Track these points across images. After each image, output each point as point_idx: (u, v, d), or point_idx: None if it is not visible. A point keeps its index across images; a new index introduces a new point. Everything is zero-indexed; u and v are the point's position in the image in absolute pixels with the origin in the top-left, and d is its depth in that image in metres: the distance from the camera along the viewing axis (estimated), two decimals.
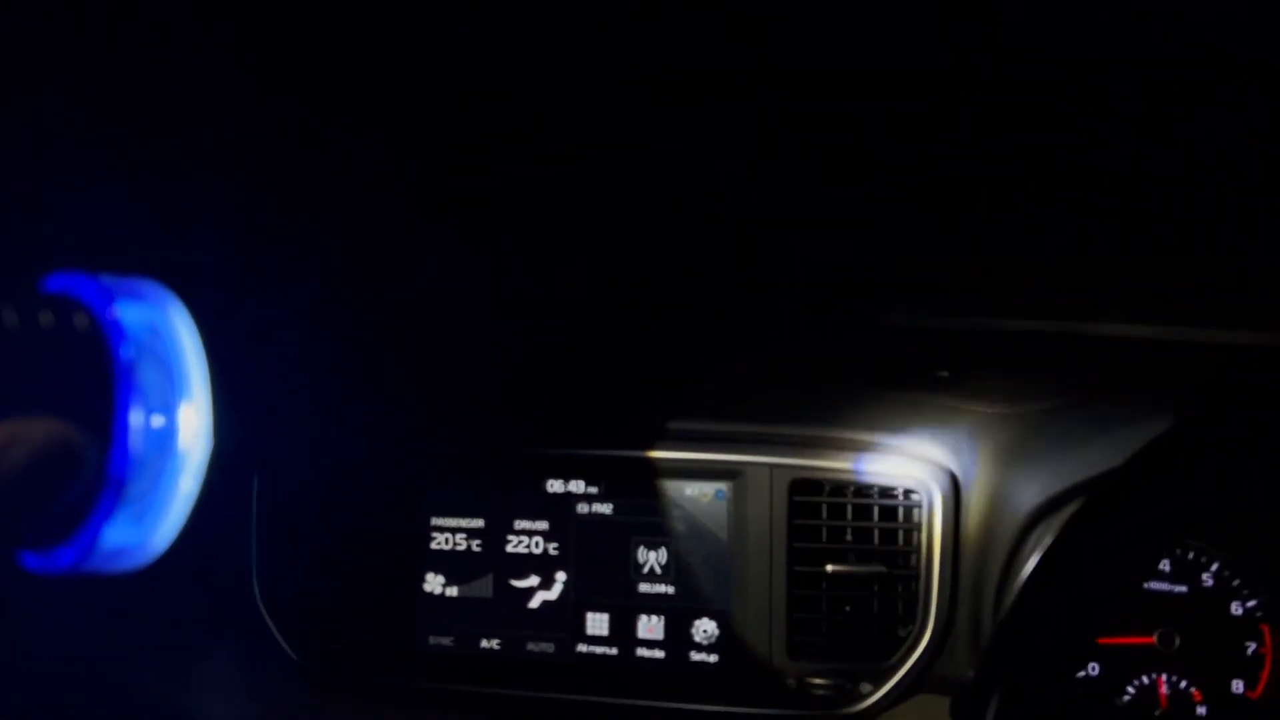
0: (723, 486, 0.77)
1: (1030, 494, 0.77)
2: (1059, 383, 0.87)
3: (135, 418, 0.41)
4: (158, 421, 0.42)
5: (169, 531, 0.42)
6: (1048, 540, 0.75)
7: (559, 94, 0.76)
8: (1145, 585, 0.81)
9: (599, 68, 0.73)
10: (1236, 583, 0.79)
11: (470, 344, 0.93)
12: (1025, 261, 1.11)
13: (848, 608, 0.76)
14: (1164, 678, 0.79)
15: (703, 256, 1.03)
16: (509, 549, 0.80)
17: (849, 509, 0.77)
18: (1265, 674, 0.78)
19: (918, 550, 0.76)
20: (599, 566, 0.79)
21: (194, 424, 0.43)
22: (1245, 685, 0.77)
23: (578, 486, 0.79)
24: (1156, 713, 0.77)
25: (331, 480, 0.83)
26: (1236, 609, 0.79)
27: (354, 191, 0.91)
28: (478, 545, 0.80)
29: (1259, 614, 0.78)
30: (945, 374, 0.88)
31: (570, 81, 0.74)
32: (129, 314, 0.42)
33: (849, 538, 0.77)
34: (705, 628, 0.77)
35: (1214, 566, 0.80)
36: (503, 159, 0.91)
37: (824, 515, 0.77)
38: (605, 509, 0.79)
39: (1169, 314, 0.99)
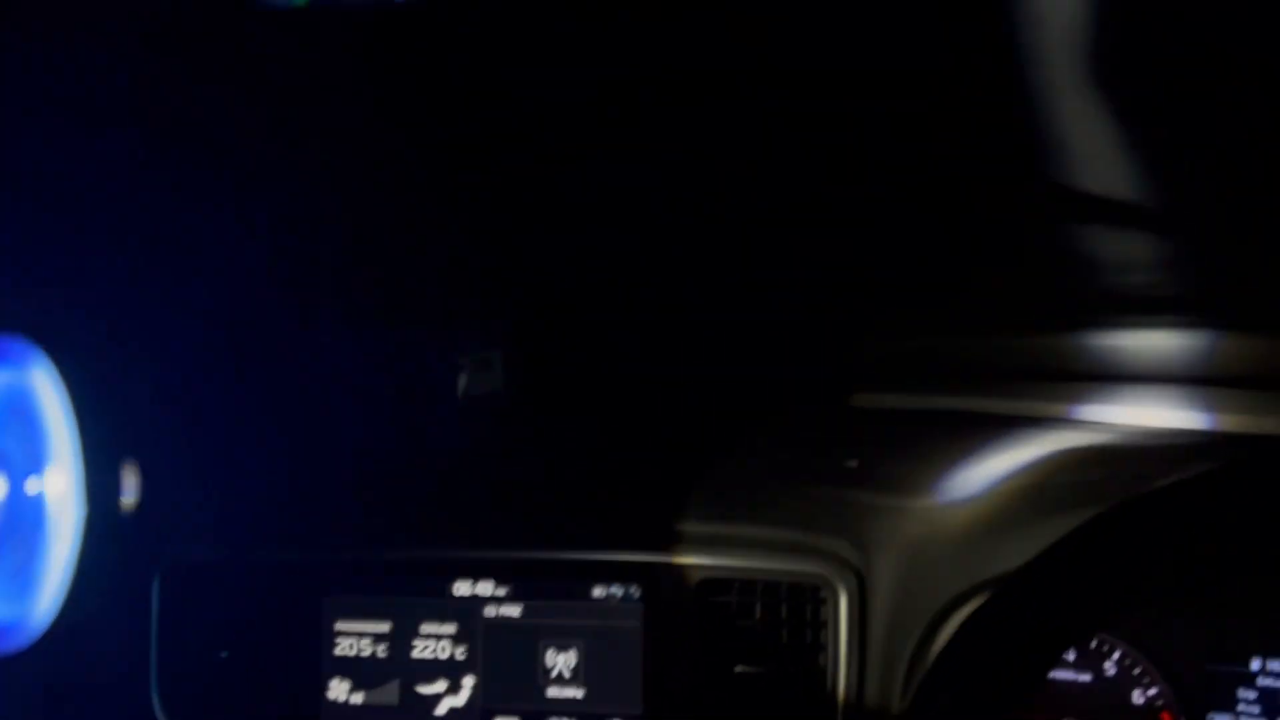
0: (632, 587, 0.77)
1: (936, 590, 0.78)
2: (967, 472, 0.89)
3: None
4: (28, 488, 0.40)
5: (50, 604, 0.40)
6: (950, 638, 0.76)
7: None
8: (1051, 674, 0.83)
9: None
10: (1138, 671, 0.81)
11: (372, 443, 0.92)
12: (932, 340, 1.13)
13: (756, 708, 0.76)
14: None
15: (611, 350, 1.03)
16: (415, 654, 0.78)
17: (758, 608, 0.77)
18: None
19: (825, 649, 0.76)
20: (508, 670, 0.77)
21: (63, 489, 0.40)
22: None
23: (486, 589, 0.78)
24: None
25: (234, 584, 0.80)
26: (1138, 698, 0.80)
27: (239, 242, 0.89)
28: (383, 650, 0.78)
29: (1159, 702, 0.80)
30: (854, 464, 0.88)
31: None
32: None
33: (758, 637, 0.77)
34: None
35: (1116, 655, 0.81)
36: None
37: (733, 615, 0.77)
38: (514, 611, 0.78)
39: (1080, 395, 1.01)
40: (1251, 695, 0.79)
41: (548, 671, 0.77)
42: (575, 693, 0.76)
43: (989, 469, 0.88)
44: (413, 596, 0.78)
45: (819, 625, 0.77)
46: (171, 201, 0.95)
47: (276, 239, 1.06)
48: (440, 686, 0.78)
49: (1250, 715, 0.79)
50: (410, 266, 1.16)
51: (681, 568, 0.77)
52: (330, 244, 1.13)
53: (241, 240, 1.03)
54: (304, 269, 1.09)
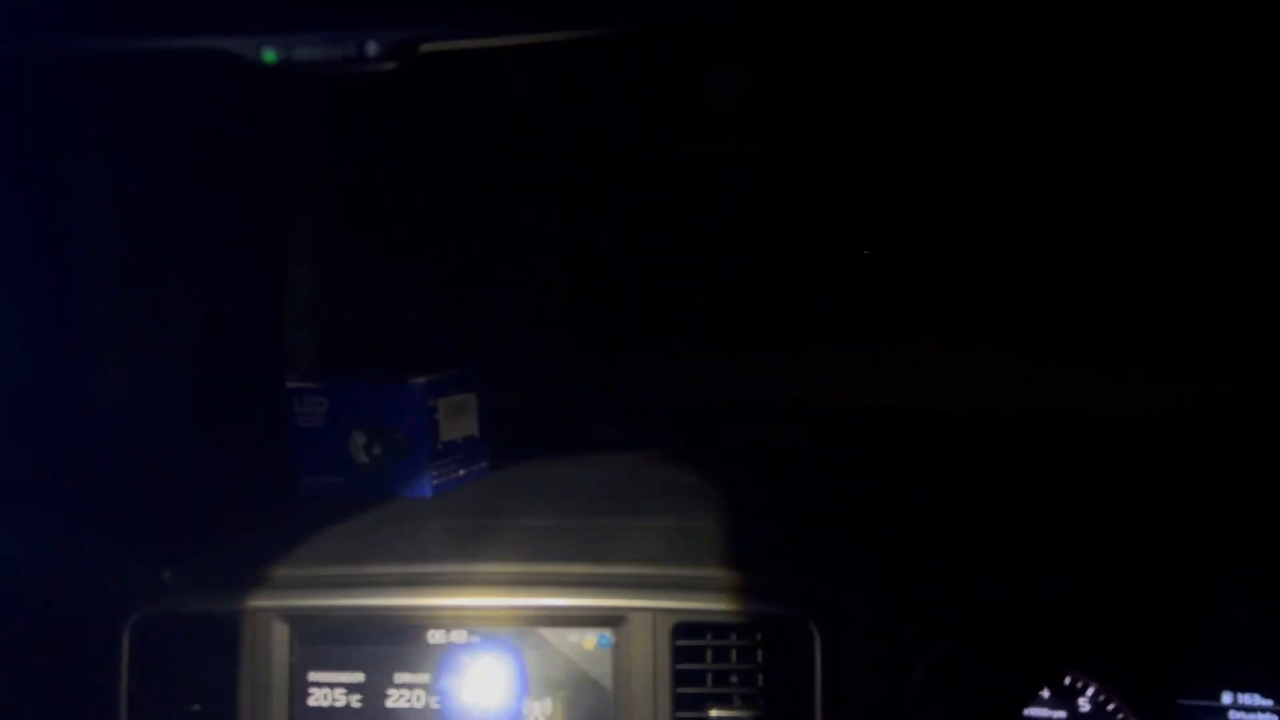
0: (606, 633, 0.77)
1: (909, 629, 0.78)
2: (940, 508, 0.89)
3: None
4: None
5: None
6: (924, 676, 0.76)
7: None
8: (1025, 711, 0.83)
9: None
10: (1111, 707, 0.81)
11: (342, 491, 0.91)
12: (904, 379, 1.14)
13: None
14: None
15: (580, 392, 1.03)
16: (389, 704, 0.78)
17: (733, 652, 0.77)
18: None
19: (801, 691, 0.76)
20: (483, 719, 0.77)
21: None
22: None
23: (460, 637, 0.78)
24: None
25: (206, 636, 0.80)
26: None
27: None
28: (357, 701, 0.78)
29: None
30: (825, 502, 0.89)
31: None
32: None
33: (734, 680, 0.77)
34: None
35: (1089, 692, 0.82)
36: None
37: (708, 659, 0.76)
38: (489, 660, 0.77)
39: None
40: None
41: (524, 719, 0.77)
42: None
43: (962, 504, 0.89)
44: (386, 646, 0.78)
45: (795, 667, 0.77)
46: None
47: (249, 293, 1.06)
48: None
49: None
50: (379, 312, 1.17)
51: (655, 613, 0.76)
52: (302, 291, 1.13)
53: (225, 292, 1.03)
54: (266, 319, 1.09)
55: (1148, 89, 1.08)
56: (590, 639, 0.77)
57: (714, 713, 0.75)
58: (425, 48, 0.50)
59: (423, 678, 0.77)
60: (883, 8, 0.77)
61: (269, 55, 0.48)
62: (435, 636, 0.78)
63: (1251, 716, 0.79)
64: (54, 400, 1.01)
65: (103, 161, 1.02)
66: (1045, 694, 0.82)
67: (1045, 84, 1.10)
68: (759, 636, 0.76)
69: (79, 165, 1.00)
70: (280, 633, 0.78)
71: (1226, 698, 0.80)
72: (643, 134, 1.19)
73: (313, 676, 0.78)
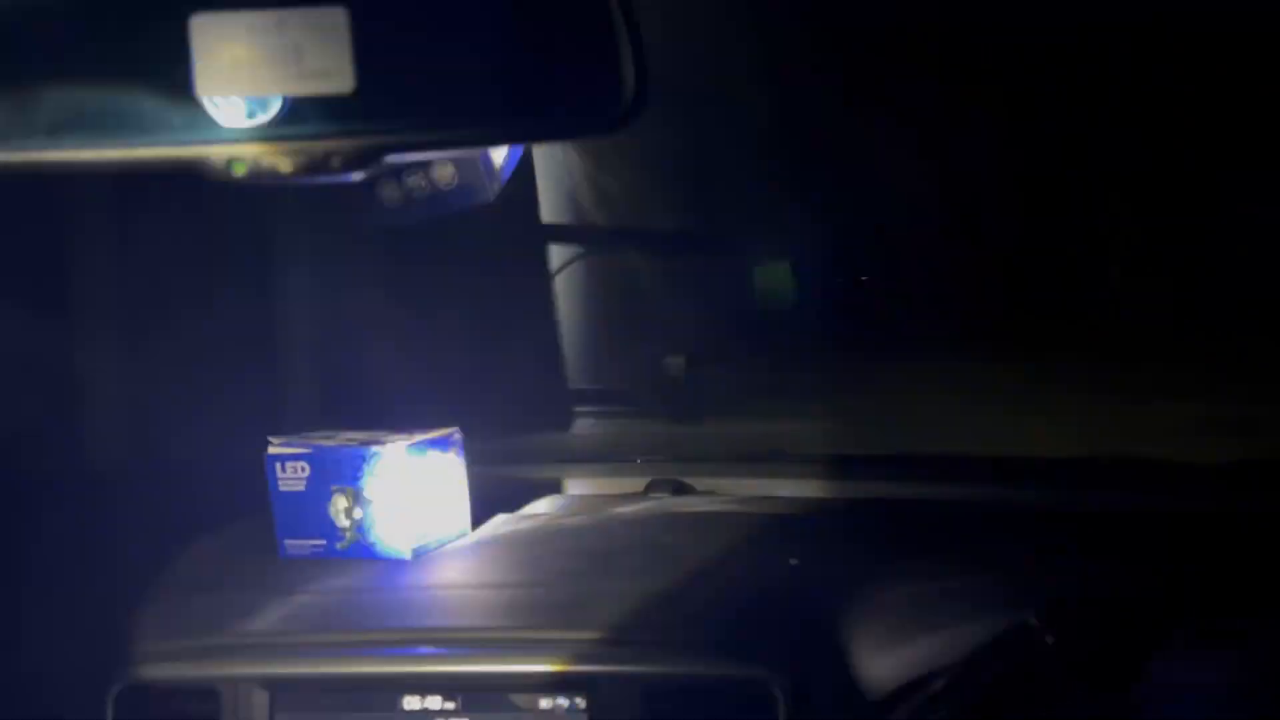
0: (577, 698, 0.78)
1: (875, 689, 0.80)
2: (906, 567, 0.91)
3: None
4: None
5: None
6: None
7: None
8: None
9: None
10: None
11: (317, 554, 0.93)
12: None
13: None
14: None
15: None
16: None
17: (702, 714, 0.78)
18: None
19: None
20: None
21: None
22: None
23: (434, 703, 0.79)
24: None
25: (188, 705, 0.81)
26: None
27: None
28: None
29: None
30: (795, 561, 0.91)
31: None
32: None
33: None
34: None
35: None
36: None
37: None
38: None
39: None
40: None
41: None
42: None
43: (927, 562, 0.91)
44: (362, 712, 0.79)
45: None
46: None
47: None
48: None
49: None
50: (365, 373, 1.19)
51: (624, 676, 0.78)
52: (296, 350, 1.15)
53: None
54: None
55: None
56: (563, 704, 0.78)
57: None
58: (389, 160, 0.52)
59: None
60: None
61: (238, 167, 0.50)
62: (410, 702, 0.79)
63: None
64: (43, 455, 1.03)
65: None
66: None
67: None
68: (725, 700, 0.78)
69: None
70: (260, 700, 0.80)
71: None
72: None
73: None
